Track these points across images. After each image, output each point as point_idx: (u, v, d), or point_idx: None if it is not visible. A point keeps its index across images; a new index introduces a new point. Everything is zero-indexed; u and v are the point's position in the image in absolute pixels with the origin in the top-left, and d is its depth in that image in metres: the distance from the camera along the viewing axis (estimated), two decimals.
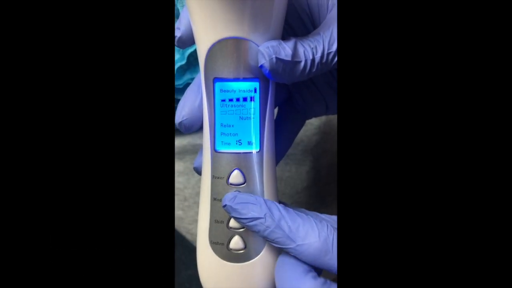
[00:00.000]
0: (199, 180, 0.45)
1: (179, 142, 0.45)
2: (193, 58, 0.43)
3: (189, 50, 0.42)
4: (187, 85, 0.42)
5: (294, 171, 0.45)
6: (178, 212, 0.45)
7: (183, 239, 0.45)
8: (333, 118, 0.46)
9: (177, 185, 0.45)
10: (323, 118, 0.45)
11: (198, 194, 0.45)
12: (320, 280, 0.25)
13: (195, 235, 0.45)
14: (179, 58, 0.42)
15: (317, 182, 0.46)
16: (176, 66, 0.41)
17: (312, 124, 0.45)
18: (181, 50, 0.42)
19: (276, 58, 0.24)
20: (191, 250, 0.44)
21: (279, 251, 0.28)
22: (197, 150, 0.45)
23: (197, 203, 0.45)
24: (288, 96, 0.33)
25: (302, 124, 0.34)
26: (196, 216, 0.45)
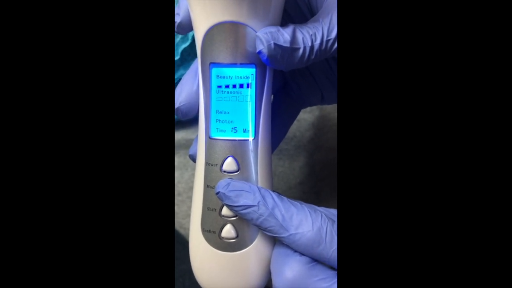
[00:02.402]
0: (193, 175, 0.44)
1: None
2: (186, 54, 0.43)
3: (183, 46, 0.41)
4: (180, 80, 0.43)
5: (287, 166, 0.45)
6: None
7: (176, 233, 0.44)
8: (327, 113, 0.46)
9: None
10: (317, 113, 0.45)
11: (191, 189, 0.45)
12: (306, 259, 0.25)
13: (188, 229, 0.45)
14: None
15: (310, 178, 0.46)
16: None
17: (306, 120, 0.45)
18: (174, 45, 0.42)
19: (275, 44, 0.24)
20: (185, 245, 0.44)
21: (273, 241, 0.27)
22: (190, 144, 0.45)
23: (190, 198, 0.45)
24: (283, 84, 0.33)
25: (297, 113, 0.34)
26: (189, 211, 0.45)
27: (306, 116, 0.45)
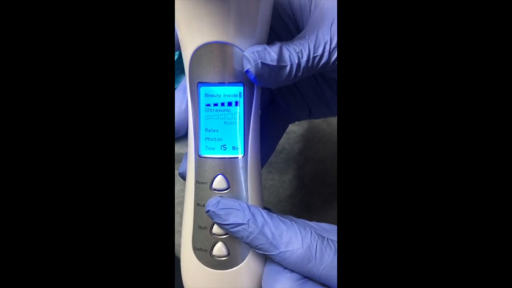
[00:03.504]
0: (182, 190, 0.44)
1: None
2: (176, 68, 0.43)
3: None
4: None
5: (277, 179, 0.45)
6: None
7: None
8: (316, 125, 0.46)
9: None
10: (306, 125, 0.45)
11: (180, 203, 0.45)
12: (296, 276, 0.25)
13: (178, 245, 0.44)
14: None
15: (300, 191, 0.46)
16: None
17: (295, 132, 0.45)
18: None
19: (262, 63, 0.24)
20: (176, 261, 0.44)
21: (264, 259, 0.27)
22: (179, 159, 0.45)
23: (179, 213, 0.45)
24: (271, 99, 0.33)
25: (285, 128, 0.34)
26: (179, 227, 0.45)
27: (295, 129, 0.45)
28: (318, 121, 0.46)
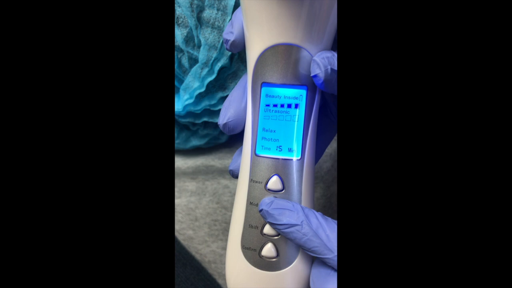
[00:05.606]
0: (210, 201, 0.45)
1: (193, 162, 0.45)
2: (211, 86, 0.43)
3: (209, 79, 0.42)
4: (204, 110, 0.43)
5: None
6: (188, 232, 0.45)
7: (192, 259, 0.44)
8: None
9: (189, 204, 0.45)
10: (334, 145, 0.46)
11: (209, 214, 0.45)
12: None
13: (204, 255, 0.44)
14: (199, 86, 0.42)
15: (327, 210, 0.46)
16: (195, 93, 0.42)
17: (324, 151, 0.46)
18: (200, 78, 0.42)
19: (331, 69, 0.25)
20: (200, 270, 0.43)
21: (312, 262, 0.27)
22: (210, 171, 0.45)
23: (207, 224, 0.45)
24: (322, 104, 0.33)
25: (334, 134, 0.34)
26: (206, 237, 0.45)
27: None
28: None
